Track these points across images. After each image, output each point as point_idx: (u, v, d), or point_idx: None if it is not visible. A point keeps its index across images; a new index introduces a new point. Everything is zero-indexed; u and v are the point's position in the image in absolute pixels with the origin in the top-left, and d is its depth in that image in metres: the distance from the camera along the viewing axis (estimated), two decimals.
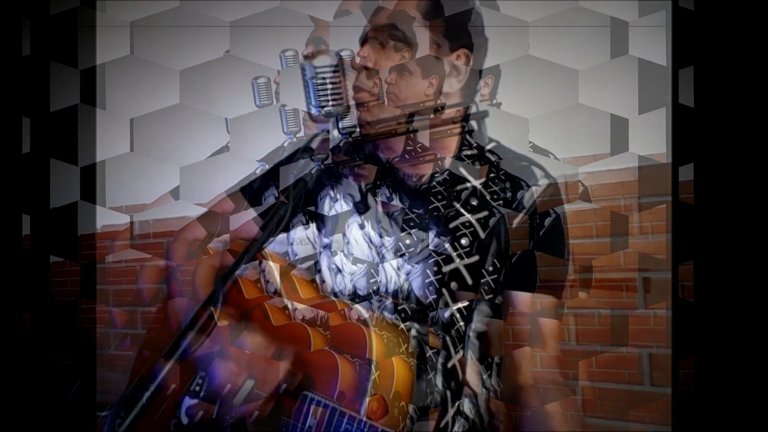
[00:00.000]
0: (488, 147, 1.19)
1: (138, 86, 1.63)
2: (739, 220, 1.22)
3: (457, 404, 1.12)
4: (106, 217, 1.69)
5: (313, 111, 1.17)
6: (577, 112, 1.43)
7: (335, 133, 1.19)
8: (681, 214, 1.26)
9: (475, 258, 1.12)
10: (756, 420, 1.18)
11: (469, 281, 1.12)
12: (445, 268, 1.12)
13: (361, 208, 1.19)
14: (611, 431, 1.66)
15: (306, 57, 1.21)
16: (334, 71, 1.15)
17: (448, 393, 1.11)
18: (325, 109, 1.16)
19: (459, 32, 1.13)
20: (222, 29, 1.49)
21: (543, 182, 1.15)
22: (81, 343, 1.58)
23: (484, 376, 1.16)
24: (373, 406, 1.00)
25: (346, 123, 1.18)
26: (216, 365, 1.07)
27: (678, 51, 1.28)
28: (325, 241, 1.25)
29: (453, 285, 1.12)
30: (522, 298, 1.14)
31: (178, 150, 1.62)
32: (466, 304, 1.12)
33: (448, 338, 1.12)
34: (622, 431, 1.65)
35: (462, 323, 1.13)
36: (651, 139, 1.37)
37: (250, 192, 1.27)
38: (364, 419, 0.97)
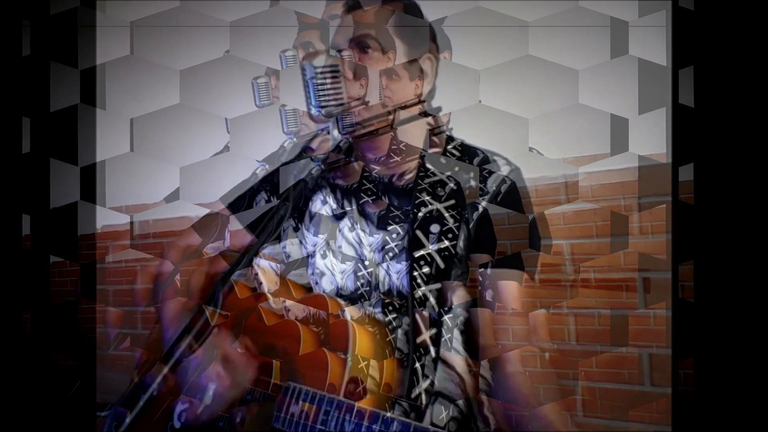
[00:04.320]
0: (452, 144, 1.28)
1: (138, 86, 1.63)
2: (739, 220, 1.22)
3: (429, 379, 1.15)
4: (106, 217, 1.69)
5: (313, 111, 1.17)
6: (577, 112, 1.43)
7: (335, 133, 1.20)
8: (681, 214, 1.26)
9: (445, 243, 1.18)
10: (756, 420, 1.18)
11: (441, 265, 1.17)
12: (417, 253, 1.18)
13: (337, 212, 1.26)
14: (611, 431, 1.66)
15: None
16: (333, 71, 1.15)
17: (418, 366, 1.15)
18: (325, 109, 1.16)
19: (433, 36, 1.26)
20: (222, 29, 1.49)
21: (505, 169, 1.24)
22: (81, 343, 1.58)
23: (482, 370, 1.20)
24: (351, 388, 1.03)
25: (346, 123, 1.18)
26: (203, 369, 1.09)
27: (678, 51, 1.28)
28: (314, 239, 1.28)
29: (425, 269, 1.17)
30: (509, 288, 1.19)
31: (178, 150, 1.62)
32: (438, 286, 1.17)
33: (418, 315, 1.16)
34: (622, 431, 1.65)
35: (435, 304, 1.18)
36: (651, 139, 1.37)
37: (250, 194, 1.30)
38: (344, 400, 1.01)
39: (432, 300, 1.18)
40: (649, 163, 1.41)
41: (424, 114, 1.24)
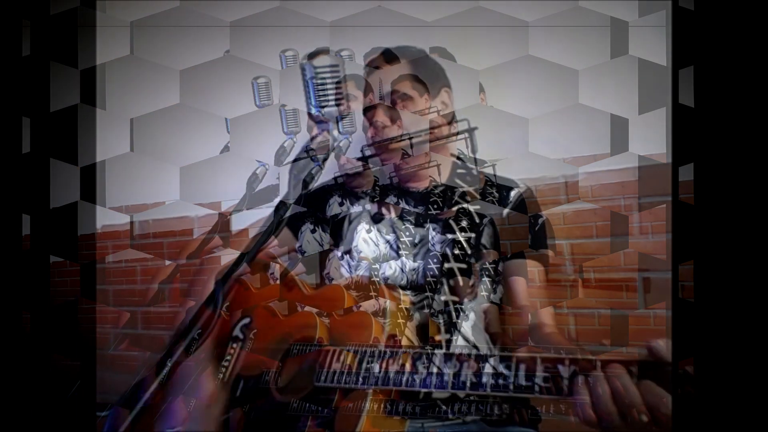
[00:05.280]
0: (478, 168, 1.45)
1: (138, 86, 1.63)
2: (739, 220, 1.22)
3: (448, 336, 1.29)
4: (106, 217, 1.69)
5: (313, 111, 1.18)
6: (577, 112, 1.43)
7: (335, 133, 1.20)
8: (681, 214, 1.26)
9: (472, 234, 1.35)
10: (756, 420, 1.18)
11: (468, 250, 1.34)
12: (449, 236, 1.34)
13: (377, 218, 1.42)
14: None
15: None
16: (334, 71, 1.16)
17: (441, 321, 1.29)
18: (325, 109, 1.17)
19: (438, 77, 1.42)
20: (222, 29, 1.49)
21: (522, 186, 1.42)
22: (81, 343, 1.58)
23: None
24: (390, 343, 1.10)
25: (346, 123, 1.19)
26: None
27: (678, 51, 1.27)
28: (330, 239, 1.43)
29: (455, 251, 1.33)
30: (518, 284, 1.34)
31: (178, 150, 1.62)
32: (464, 266, 1.32)
33: (443, 280, 1.31)
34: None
35: (460, 278, 1.33)
36: (651, 139, 1.38)
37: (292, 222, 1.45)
38: (385, 349, 1.07)
39: (458, 275, 1.31)
40: (649, 163, 1.42)
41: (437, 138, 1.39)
